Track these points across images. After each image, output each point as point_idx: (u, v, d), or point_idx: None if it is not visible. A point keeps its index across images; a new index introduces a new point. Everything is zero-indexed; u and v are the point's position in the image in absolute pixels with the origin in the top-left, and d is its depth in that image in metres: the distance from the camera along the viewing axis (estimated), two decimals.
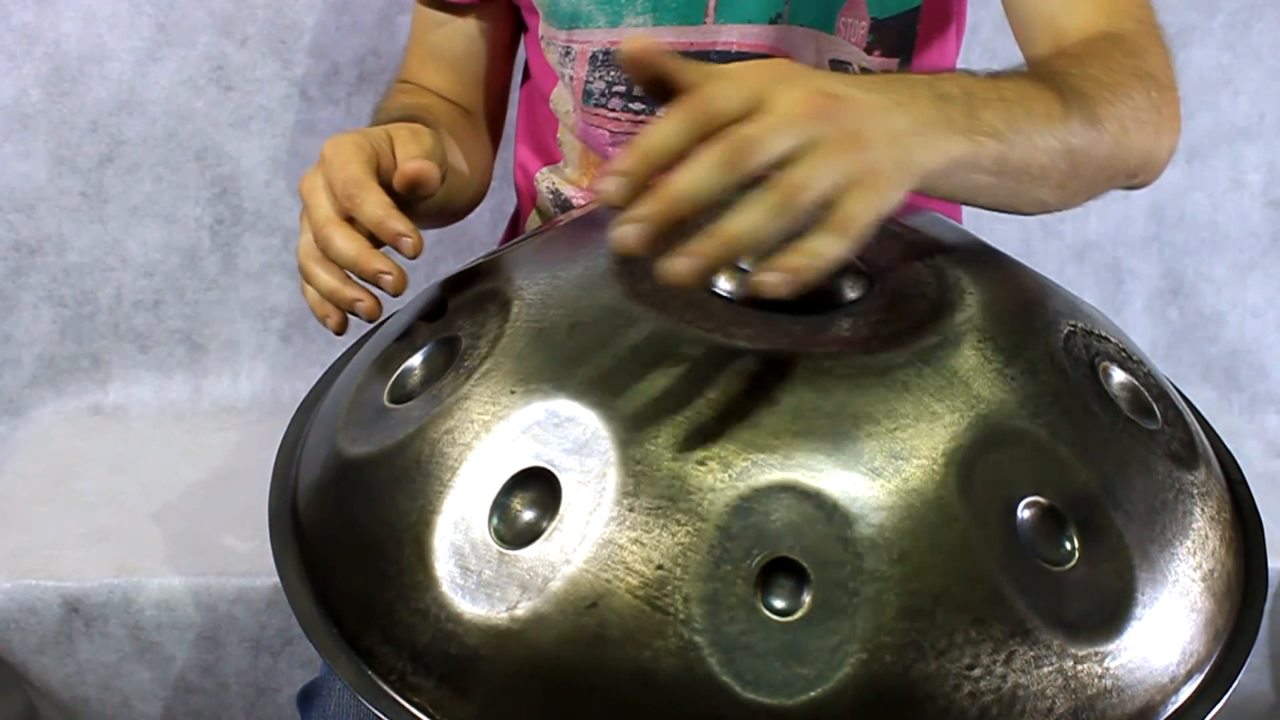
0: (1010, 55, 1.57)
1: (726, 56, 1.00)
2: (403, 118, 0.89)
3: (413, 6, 1.13)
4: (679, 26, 0.99)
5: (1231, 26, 1.54)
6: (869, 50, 1.01)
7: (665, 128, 0.58)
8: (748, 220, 0.57)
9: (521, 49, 1.15)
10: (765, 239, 0.57)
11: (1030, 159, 0.71)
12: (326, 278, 0.75)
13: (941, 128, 0.66)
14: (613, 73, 1.02)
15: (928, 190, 0.68)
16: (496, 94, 1.16)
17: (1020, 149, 0.70)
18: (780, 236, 0.58)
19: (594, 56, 1.02)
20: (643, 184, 0.58)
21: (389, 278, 0.73)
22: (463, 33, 1.11)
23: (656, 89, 0.63)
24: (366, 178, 0.75)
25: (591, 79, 1.03)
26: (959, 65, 1.13)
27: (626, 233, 0.57)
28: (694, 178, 0.57)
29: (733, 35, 0.99)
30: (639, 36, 0.76)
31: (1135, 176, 0.84)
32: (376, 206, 0.73)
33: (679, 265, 0.57)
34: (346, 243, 0.73)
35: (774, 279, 0.57)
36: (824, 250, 0.58)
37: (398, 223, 0.73)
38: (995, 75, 0.74)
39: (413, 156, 0.78)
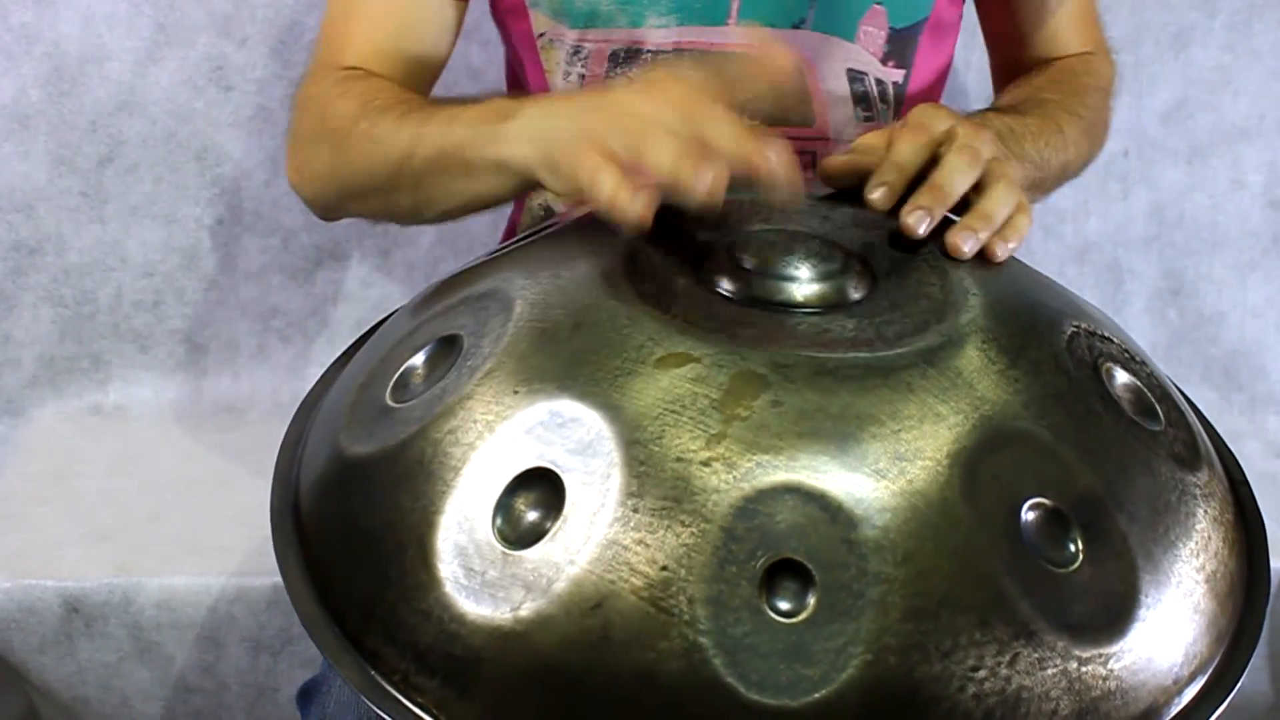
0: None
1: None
2: None
3: None
4: (701, 27, 0.99)
5: (1232, 27, 1.54)
6: (884, 60, 1.01)
7: (905, 148, 0.77)
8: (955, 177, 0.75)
9: (503, 57, 1.14)
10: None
11: (1045, 176, 0.95)
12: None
13: (1014, 159, 0.84)
14: (634, 70, 1.01)
15: None
16: (434, 79, 1.06)
17: (1041, 170, 0.93)
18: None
19: (614, 55, 1.01)
20: (901, 188, 0.76)
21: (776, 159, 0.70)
22: (420, 7, 1.00)
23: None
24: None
25: (612, 75, 1.02)
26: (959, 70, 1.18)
27: (914, 221, 0.73)
28: (955, 178, 0.75)
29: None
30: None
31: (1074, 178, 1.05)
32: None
33: (913, 219, 0.74)
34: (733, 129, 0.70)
35: (1000, 248, 0.75)
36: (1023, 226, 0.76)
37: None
38: (1014, 110, 0.95)
39: None
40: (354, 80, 0.96)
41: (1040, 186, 0.95)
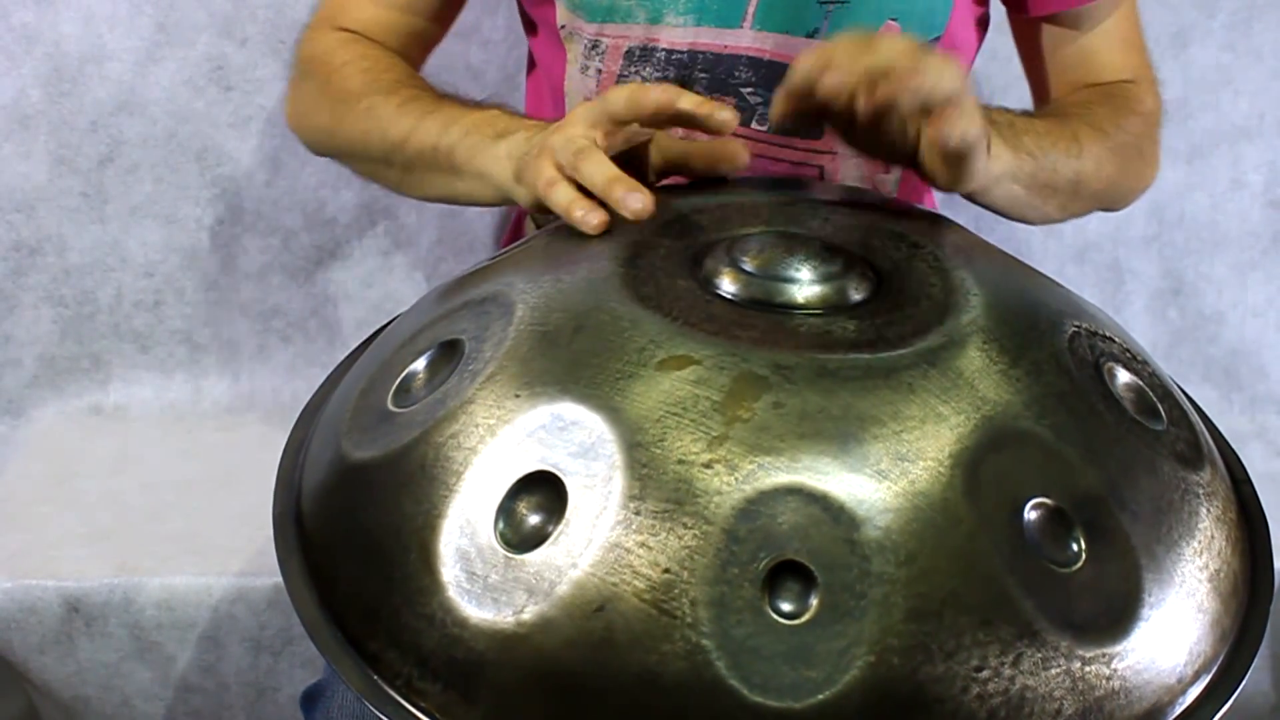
0: (1008, 55, 1.57)
1: (757, 64, 1.00)
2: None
3: None
4: (717, 29, 1.00)
5: (1232, 26, 1.54)
6: None
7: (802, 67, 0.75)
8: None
9: (524, 44, 1.14)
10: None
11: (1051, 179, 0.91)
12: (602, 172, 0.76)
13: (997, 145, 0.84)
14: (648, 69, 1.02)
15: (981, 195, 0.86)
16: (429, 50, 1.12)
17: (1045, 170, 0.90)
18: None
19: (630, 52, 1.02)
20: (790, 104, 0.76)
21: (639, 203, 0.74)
22: None
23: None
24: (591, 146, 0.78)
25: (626, 73, 1.03)
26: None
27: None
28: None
29: (767, 43, 0.99)
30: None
31: (1114, 205, 1.06)
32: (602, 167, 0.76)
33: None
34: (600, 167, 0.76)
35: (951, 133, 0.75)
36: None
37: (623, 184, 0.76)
38: (1025, 113, 0.95)
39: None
40: (356, 49, 1.03)
41: (1047, 188, 0.91)
